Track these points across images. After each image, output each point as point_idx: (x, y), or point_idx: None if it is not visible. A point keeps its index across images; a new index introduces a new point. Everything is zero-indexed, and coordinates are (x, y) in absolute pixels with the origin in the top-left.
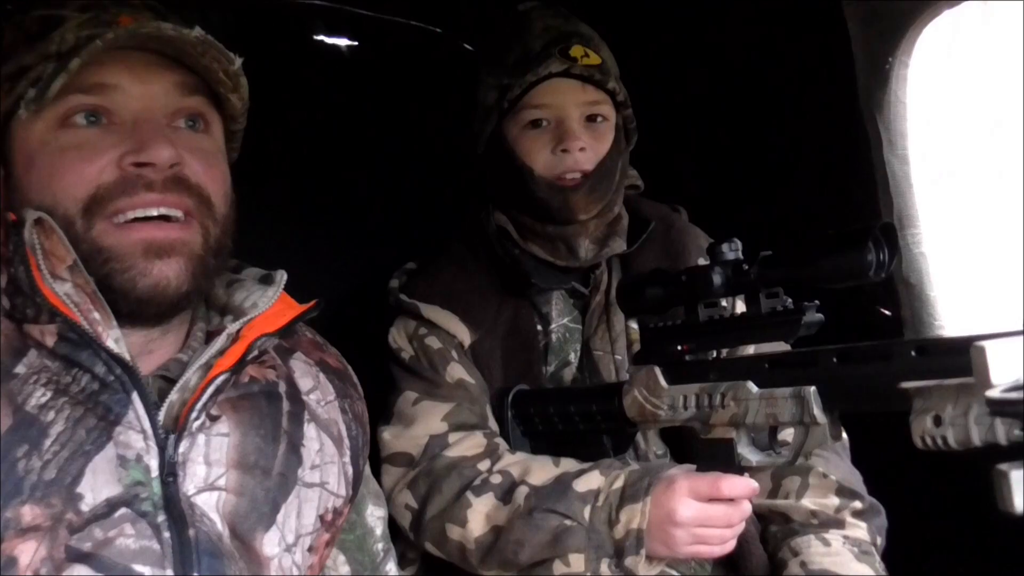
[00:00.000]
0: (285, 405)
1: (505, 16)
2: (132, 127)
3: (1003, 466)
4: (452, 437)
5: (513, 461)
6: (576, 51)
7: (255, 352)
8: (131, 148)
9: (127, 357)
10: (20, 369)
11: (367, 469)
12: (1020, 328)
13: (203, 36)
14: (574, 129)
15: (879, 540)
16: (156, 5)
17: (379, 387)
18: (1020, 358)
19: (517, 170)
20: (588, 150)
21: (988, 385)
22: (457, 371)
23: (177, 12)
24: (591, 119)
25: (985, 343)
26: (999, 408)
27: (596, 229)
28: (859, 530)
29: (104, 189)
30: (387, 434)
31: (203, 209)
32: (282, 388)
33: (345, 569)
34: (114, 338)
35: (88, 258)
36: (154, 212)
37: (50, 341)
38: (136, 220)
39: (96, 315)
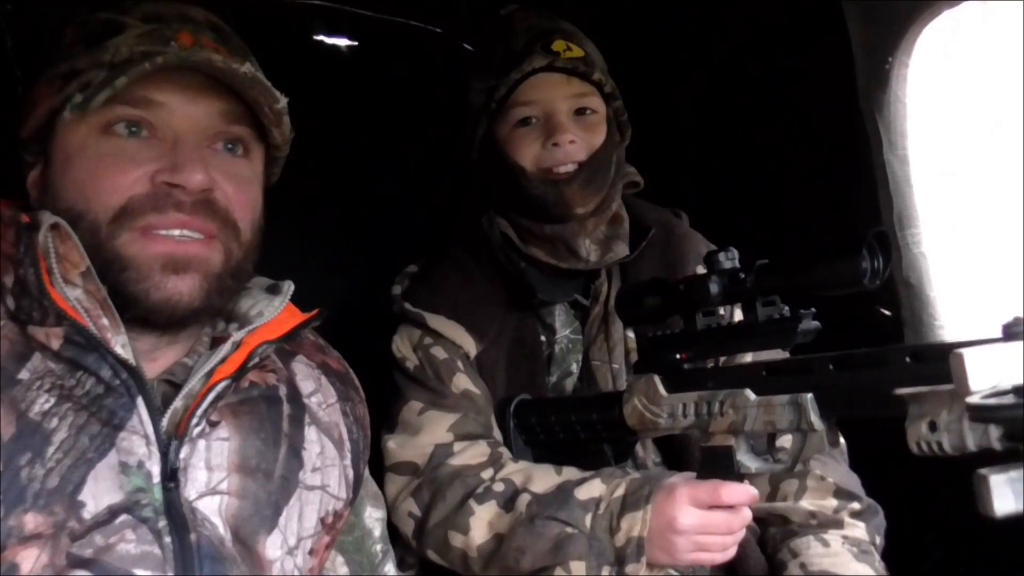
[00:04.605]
0: (286, 408)
1: (489, 20)
2: (171, 145)
3: (983, 470)
4: (457, 446)
5: (516, 469)
6: (558, 45)
7: (256, 359)
8: (166, 166)
9: (133, 362)
10: (24, 375)
11: (367, 471)
12: (999, 335)
13: (252, 73)
14: (563, 122)
15: (878, 540)
16: (218, 24)
17: (380, 391)
18: (998, 364)
19: (510, 170)
20: (579, 142)
21: (967, 392)
22: (463, 382)
23: (234, 35)
24: (580, 112)
25: (963, 350)
26: (979, 414)
27: (595, 228)
28: (858, 530)
29: (135, 201)
30: (392, 443)
31: (228, 232)
32: (283, 392)
33: (344, 570)
34: (121, 343)
35: (106, 264)
36: (176, 232)
37: (55, 344)
38: (159, 234)
39: (105, 320)
